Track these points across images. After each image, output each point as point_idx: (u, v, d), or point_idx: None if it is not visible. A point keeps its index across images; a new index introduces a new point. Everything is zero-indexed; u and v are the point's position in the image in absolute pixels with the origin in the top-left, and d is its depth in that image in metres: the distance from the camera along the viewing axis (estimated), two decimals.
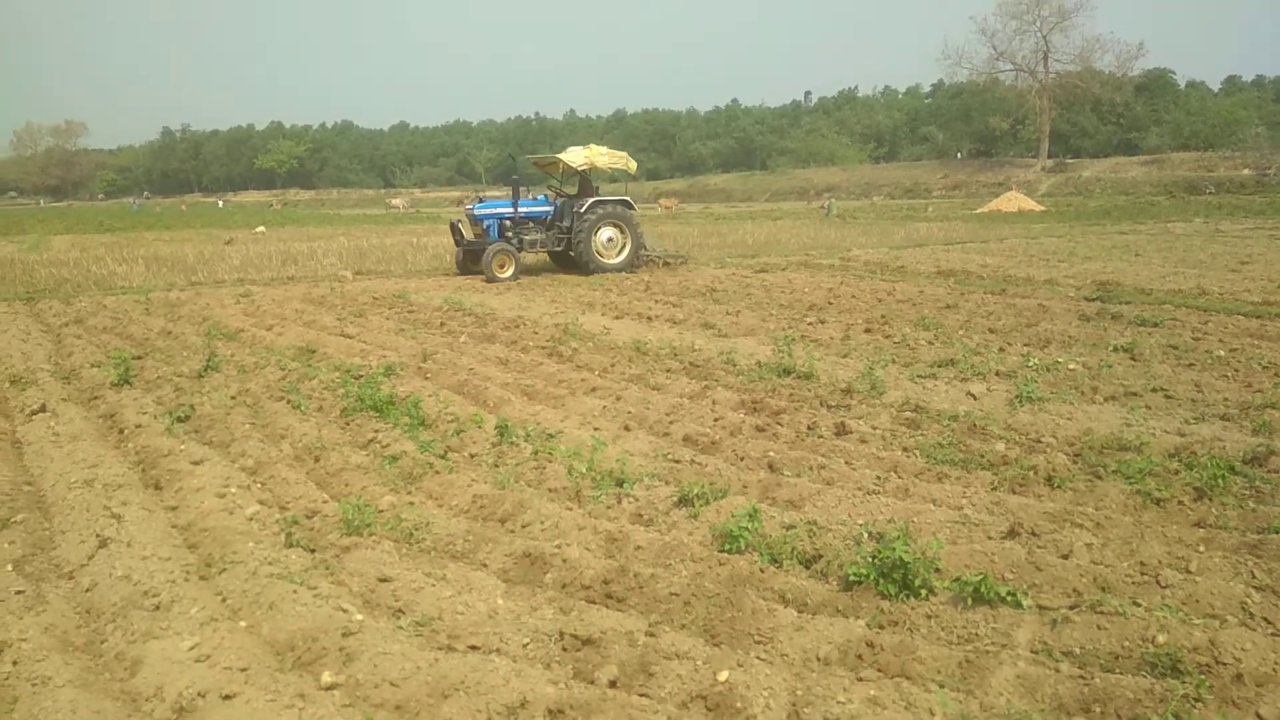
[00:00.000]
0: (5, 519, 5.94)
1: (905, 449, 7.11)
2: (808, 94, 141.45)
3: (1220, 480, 5.91)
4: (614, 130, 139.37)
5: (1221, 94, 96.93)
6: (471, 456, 7.26)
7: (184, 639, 4.23)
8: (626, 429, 7.78)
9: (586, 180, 21.63)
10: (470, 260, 21.40)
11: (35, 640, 4.25)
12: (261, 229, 43.50)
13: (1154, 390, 8.69)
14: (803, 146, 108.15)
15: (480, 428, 7.73)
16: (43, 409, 8.86)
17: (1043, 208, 52.88)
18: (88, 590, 4.98)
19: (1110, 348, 10.74)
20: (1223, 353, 10.23)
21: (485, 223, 20.93)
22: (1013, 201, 54.78)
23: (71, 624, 4.60)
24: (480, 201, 21.62)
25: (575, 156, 21.03)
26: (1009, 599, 4.39)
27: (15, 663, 4.06)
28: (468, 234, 21.47)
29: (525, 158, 23.48)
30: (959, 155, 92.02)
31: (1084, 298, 15.14)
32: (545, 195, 22.07)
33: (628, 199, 21.77)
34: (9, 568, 5.20)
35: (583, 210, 20.82)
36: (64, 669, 3.99)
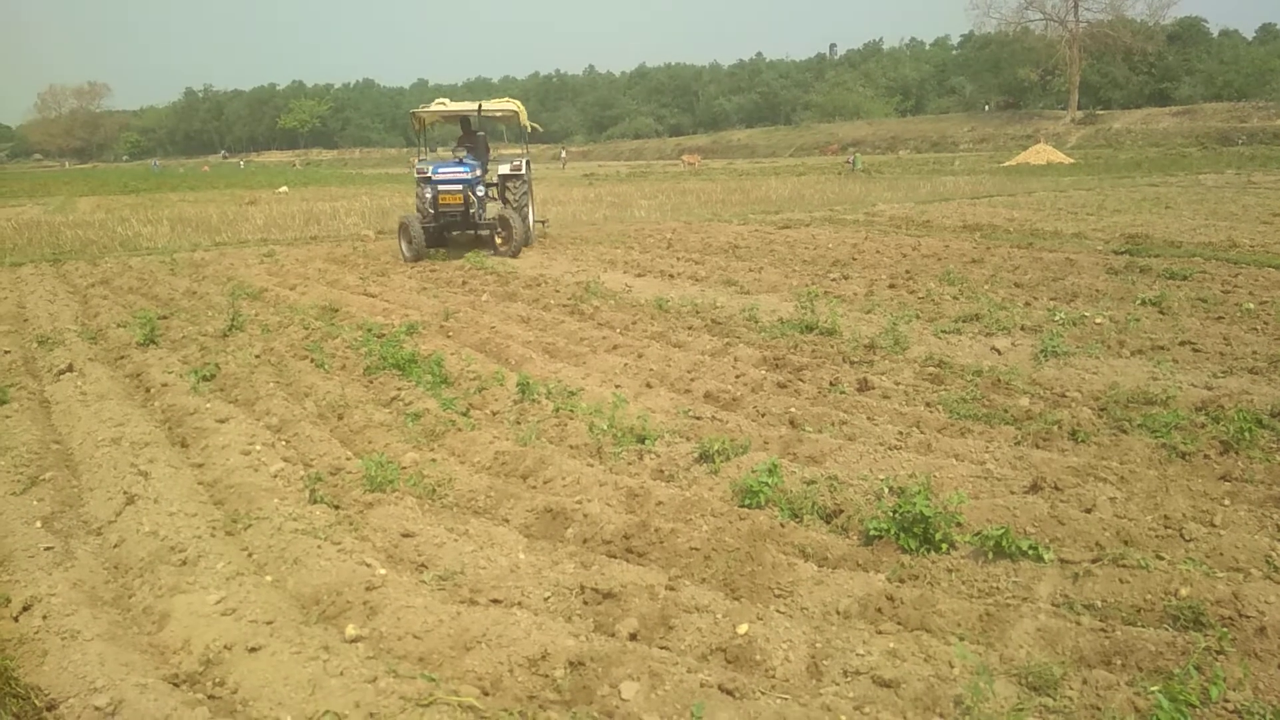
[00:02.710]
0: (34, 477, 6.03)
1: (928, 404, 7.07)
2: (833, 47, 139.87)
3: (1247, 434, 5.84)
4: (636, 85, 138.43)
5: (1256, 42, 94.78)
6: (493, 414, 7.28)
7: (210, 593, 4.29)
8: (648, 386, 7.78)
9: (484, 140, 18.72)
10: (433, 238, 17.47)
11: (64, 595, 4.32)
12: (284, 189, 43.59)
13: (1182, 344, 8.59)
14: (828, 100, 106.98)
15: (502, 385, 7.75)
16: (70, 369, 8.95)
17: (1072, 160, 52.15)
18: (116, 546, 5.05)
19: (1138, 301, 10.62)
20: (1252, 305, 10.09)
21: (477, 189, 17.13)
22: (1041, 154, 54.06)
23: (100, 579, 4.67)
24: (460, 163, 17.28)
25: (521, 109, 18.67)
26: (1030, 553, 4.37)
27: (45, 617, 4.13)
28: (433, 204, 17.00)
29: (420, 110, 19.22)
30: (986, 108, 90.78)
31: (1112, 251, 14.96)
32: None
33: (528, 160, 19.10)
34: (38, 524, 5.28)
35: (521, 172, 18.08)
36: (93, 623, 4.06)
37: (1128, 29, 77.26)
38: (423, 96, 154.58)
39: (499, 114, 18.95)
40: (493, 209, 17.74)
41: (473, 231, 17.85)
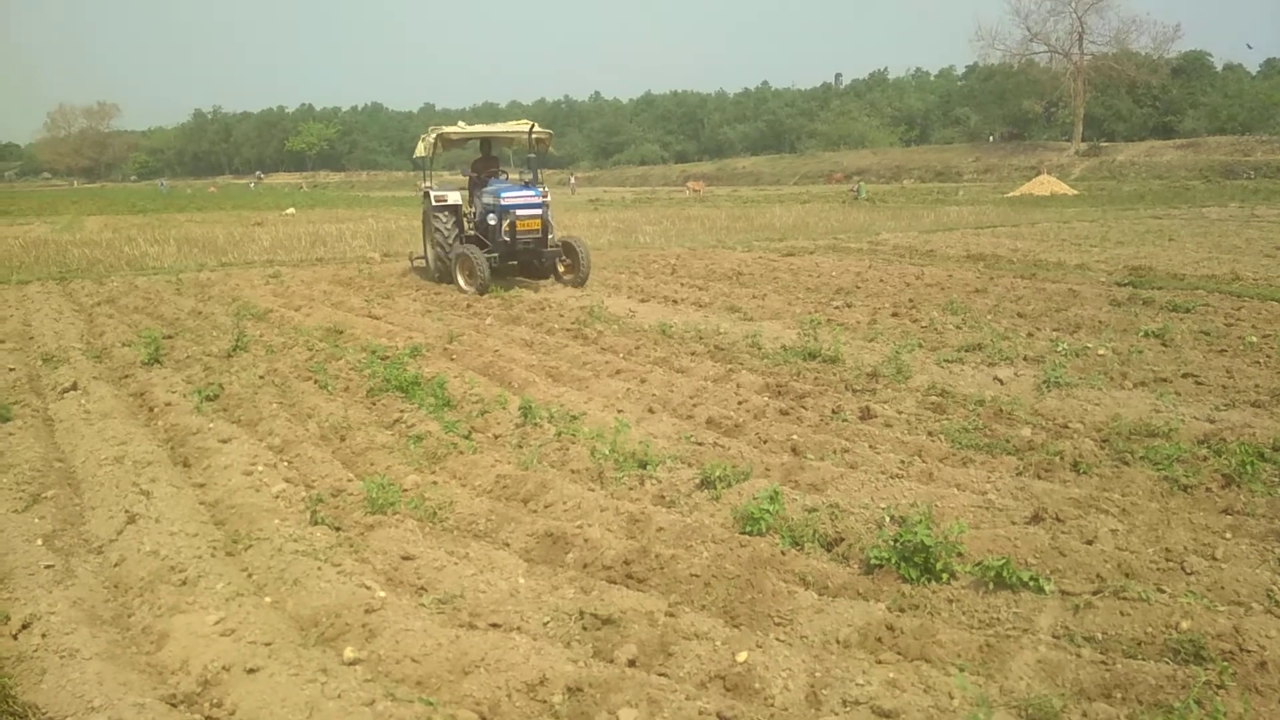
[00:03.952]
0: (36, 494, 6.04)
1: (930, 433, 7.07)
2: (838, 76, 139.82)
3: (1249, 467, 5.83)
4: (643, 112, 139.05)
5: (1260, 77, 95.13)
6: (495, 437, 7.29)
7: (209, 614, 4.29)
8: (650, 411, 7.79)
9: (535, 164, 16.94)
10: (504, 265, 16.21)
11: (64, 613, 4.32)
12: (291, 211, 43.78)
13: (1184, 376, 8.59)
14: (833, 129, 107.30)
15: (504, 409, 7.76)
16: (74, 387, 8.98)
17: (1075, 192, 52.22)
18: (116, 565, 5.05)
19: (1141, 333, 10.62)
20: (1255, 339, 10.09)
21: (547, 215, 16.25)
22: (1045, 185, 54.13)
23: (99, 598, 4.67)
24: (527, 186, 16.11)
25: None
26: (1031, 584, 4.36)
27: (44, 635, 4.13)
28: (509, 232, 15.53)
29: (448, 129, 17.06)
30: (991, 138, 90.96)
31: (1115, 283, 14.97)
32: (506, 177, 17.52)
33: None
34: (39, 542, 5.28)
35: (548, 199, 16.65)
36: (91, 642, 4.05)
37: (1132, 62, 77.49)
38: (430, 120, 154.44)
39: (541, 137, 17.12)
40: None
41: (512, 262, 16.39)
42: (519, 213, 15.56)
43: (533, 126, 16.56)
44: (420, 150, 17.29)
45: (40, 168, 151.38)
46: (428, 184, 17.59)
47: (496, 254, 15.70)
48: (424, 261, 17.95)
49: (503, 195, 15.64)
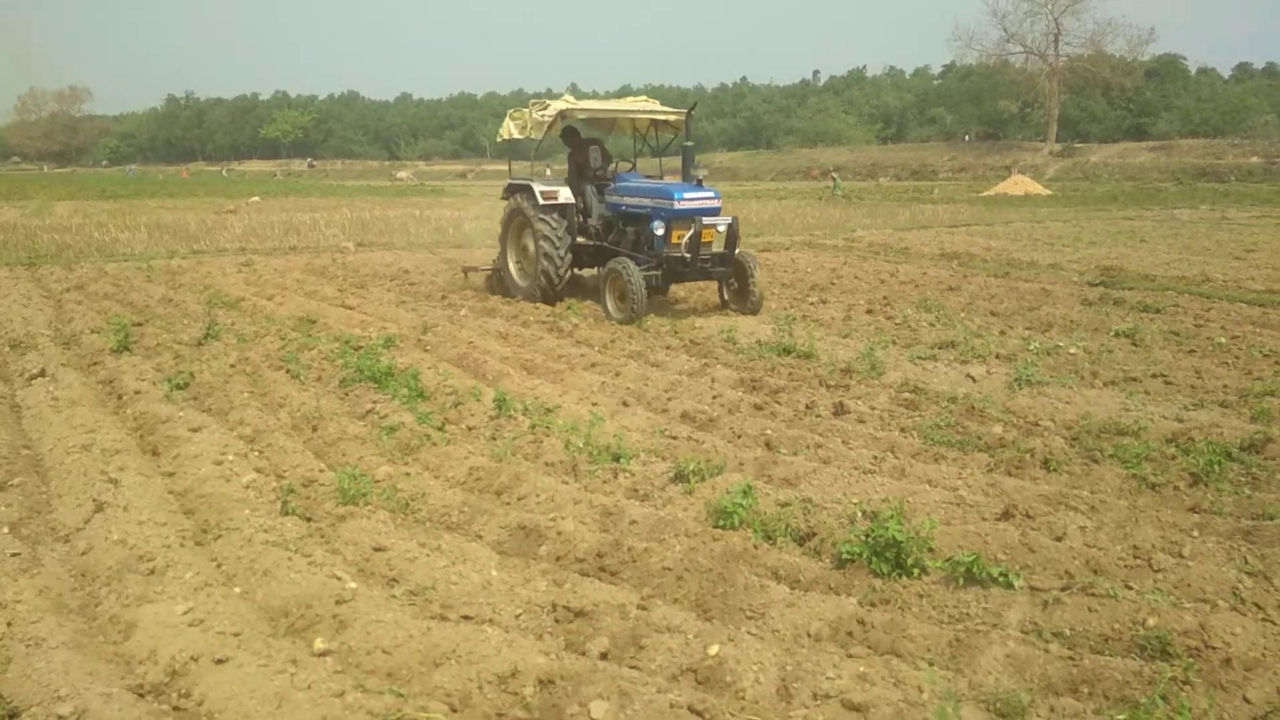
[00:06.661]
0: (3, 482, 5.96)
1: (903, 429, 7.11)
2: (816, 73, 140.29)
3: (1216, 466, 5.91)
4: None
5: (1232, 81, 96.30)
6: (469, 429, 7.26)
7: (178, 604, 4.24)
8: (625, 405, 7.78)
9: (691, 152, 13.08)
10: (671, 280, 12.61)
11: (30, 602, 4.26)
12: (256, 199, 43.43)
13: (1154, 376, 8.68)
14: (810, 126, 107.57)
15: (479, 401, 7.73)
16: (42, 374, 8.86)
17: (1049, 192, 52.57)
18: (83, 554, 4.99)
19: (1111, 333, 10.73)
20: (1224, 340, 10.22)
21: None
22: (1019, 185, 54.44)
23: (66, 587, 4.62)
24: (700, 186, 12.33)
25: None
26: (1001, 579, 4.40)
27: (9, 624, 4.07)
28: (690, 244, 11.84)
29: (571, 105, 13.71)
30: (966, 137, 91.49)
31: (1087, 283, 15.12)
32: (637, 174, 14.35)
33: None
34: (5, 530, 5.21)
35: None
36: (58, 631, 4.00)
37: (1107, 64, 78.14)
38: (406, 110, 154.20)
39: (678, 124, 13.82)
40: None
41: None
42: (707, 220, 11.89)
43: (693, 106, 13.58)
44: (512, 130, 13.87)
45: (10, 151, 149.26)
46: (525, 175, 14.33)
47: (658, 271, 12.22)
48: (498, 274, 14.60)
49: (679, 196, 11.88)
